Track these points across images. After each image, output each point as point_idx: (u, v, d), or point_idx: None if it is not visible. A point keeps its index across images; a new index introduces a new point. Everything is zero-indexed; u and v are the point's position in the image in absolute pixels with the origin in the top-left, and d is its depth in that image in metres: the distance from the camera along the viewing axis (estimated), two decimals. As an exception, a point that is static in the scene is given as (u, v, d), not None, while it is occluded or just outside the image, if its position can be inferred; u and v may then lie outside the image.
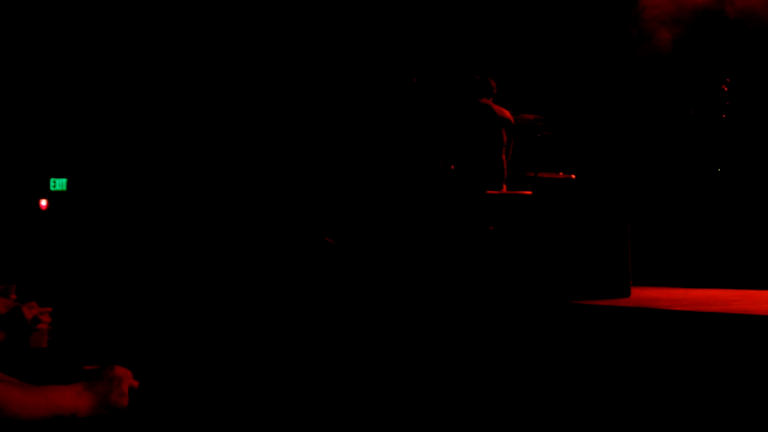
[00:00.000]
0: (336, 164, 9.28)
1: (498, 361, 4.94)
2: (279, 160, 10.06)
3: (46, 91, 10.97)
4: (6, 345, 2.30)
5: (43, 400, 1.52)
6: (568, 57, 9.10)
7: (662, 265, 7.79)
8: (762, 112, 7.92)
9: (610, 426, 3.98)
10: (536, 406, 4.28)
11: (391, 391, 4.61)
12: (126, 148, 10.96)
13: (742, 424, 3.79)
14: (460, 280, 6.14)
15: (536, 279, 5.98)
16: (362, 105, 9.57)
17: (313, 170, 9.60)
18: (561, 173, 7.57)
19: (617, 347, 4.74)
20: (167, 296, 7.20)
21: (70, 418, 1.55)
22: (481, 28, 9.52)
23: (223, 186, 10.21)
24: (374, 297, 6.22)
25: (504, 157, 6.81)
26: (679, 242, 7.96)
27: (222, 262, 8.53)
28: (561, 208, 6.24)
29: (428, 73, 9.09)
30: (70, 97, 11.05)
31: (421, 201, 6.87)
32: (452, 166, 6.91)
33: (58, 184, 11.57)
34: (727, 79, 8.12)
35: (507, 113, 6.91)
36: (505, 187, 6.80)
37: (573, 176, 7.57)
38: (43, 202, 11.48)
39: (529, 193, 6.75)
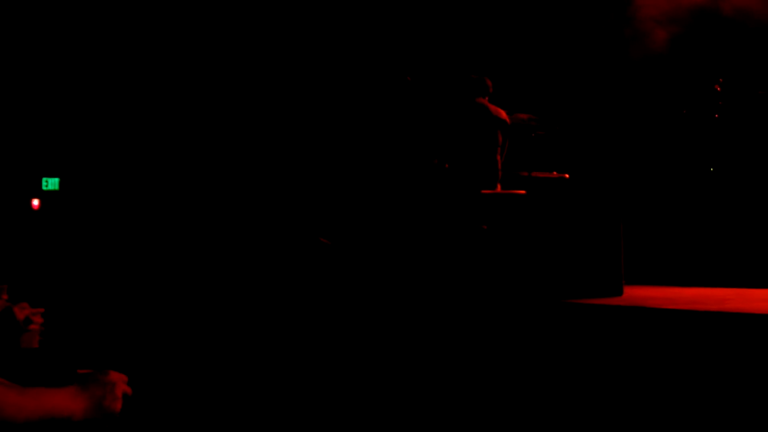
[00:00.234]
0: (330, 163, 9.27)
1: (491, 360, 4.94)
2: (272, 158, 10.04)
3: (39, 90, 10.94)
4: (-3, 345, 2.30)
5: (38, 403, 1.53)
6: (562, 56, 9.10)
7: (655, 263, 7.80)
8: (754, 111, 7.95)
9: (603, 424, 3.99)
10: (530, 405, 4.28)
11: (384, 389, 4.61)
12: (119, 148, 10.93)
13: (736, 422, 3.80)
14: (454, 279, 6.14)
15: (530, 278, 6.00)
16: (356, 103, 9.56)
17: (307, 169, 9.59)
18: (554, 173, 7.58)
19: (610, 346, 4.75)
20: (160, 296, 7.18)
21: (65, 420, 1.55)
22: (475, 26, 9.52)
23: (216, 185, 10.19)
24: (369, 296, 6.22)
25: (499, 157, 6.82)
26: (673, 241, 7.98)
27: (215, 261, 8.51)
28: (554, 208, 6.25)
29: (423, 72, 9.09)
30: (62, 97, 11.02)
31: (415, 200, 6.88)
32: (446, 165, 6.92)
33: (51, 183, 11.53)
34: (720, 79, 8.14)
35: (503, 113, 6.91)
36: (499, 186, 6.80)
37: (566, 176, 7.57)
38: (35, 202, 11.44)
39: (523, 192, 6.76)
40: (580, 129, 8.32)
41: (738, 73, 8.22)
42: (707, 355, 4.32)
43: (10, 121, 10.91)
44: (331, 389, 4.64)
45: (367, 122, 8.88)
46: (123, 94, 10.89)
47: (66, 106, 11.10)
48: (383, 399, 4.45)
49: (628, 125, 8.93)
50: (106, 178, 11.03)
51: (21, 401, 1.51)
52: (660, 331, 4.66)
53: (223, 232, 9.35)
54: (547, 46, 9.17)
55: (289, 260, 7.31)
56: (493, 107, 6.87)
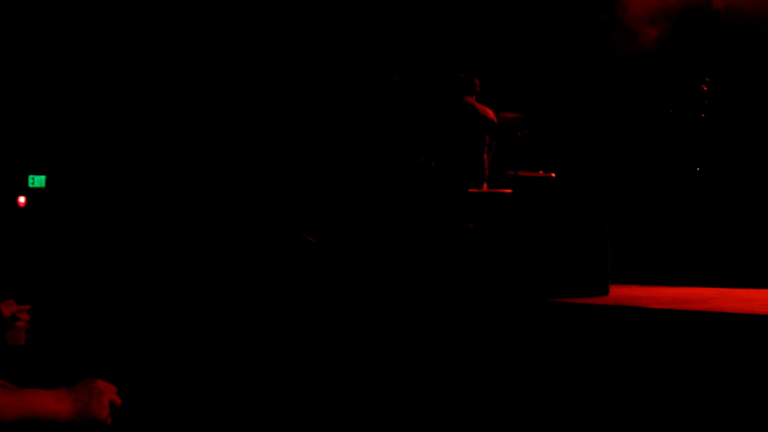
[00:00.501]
0: (317, 161, 9.27)
1: (478, 359, 4.96)
2: (258, 155, 10.03)
3: (25, 88, 10.89)
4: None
5: (25, 404, 1.53)
6: (549, 56, 9.13)
7: (641, 263, 7.84)
8: (741, 111, 7.99)
9: (589, 423, 4.01)
10: (516, 404, 4.30)
11: (370, 387, 4.62)
12: (105, 145, 10.90)
13: (722, 421, 3.83)
14: (440, 278, 6.15)
15: (516, 277, 6.01)
16: (344, 102, 9.56)
17: (294, 166, 9.59)
18: (541, 172, 7.60)
19: (596, 345, 4.77)
20: (147, 293, 7.17)
21: (50, 422, 1.56)
22: (463, 26, 9.54)
23: (203, 183, 10.18)
24: (354, 295, 6.22)
25: (486, 156, 6.83)
26: (659, 240, 8.01)
27: (202, 259, 8.50)
28: (541, 207, 6.27)
29: (410, 71, 9.10)
30: (49, 94, 10.97)
31: (401, 198, 6.88)
32: (433, 164, 6.93)
33: (37, 181, 11.49)
34: (707, 79, 8.18)
35: (490, 113, 6.92)
36: (485, 185, 6.82)
37: (553, 175, 7.60)
38: (22, 199, 11.39)
39: (509, 191, 6.77)
40: (566, 128, 8.35)
41: (724, 72, 8.27)
42: (692, 354, 4.35)
43: (-4, 118, 10.86)
44: (317, 387, 4.64)
45: (355, 121, 8.88)
46: (109, 91, 10.86)
47: (52, 104, 11.06)
48: (369, 396, 4.46)
49: (615, 124, 8.97)
50: (92, 176, 11.00)
51: (9, 401, 1.51)
52: (646, 330, 4.69)
53: (208, 229, 9.34)
54: (535, 46, 9.20)
55: (273, 258, 7.30)
56: (480, 106, 6.88)
